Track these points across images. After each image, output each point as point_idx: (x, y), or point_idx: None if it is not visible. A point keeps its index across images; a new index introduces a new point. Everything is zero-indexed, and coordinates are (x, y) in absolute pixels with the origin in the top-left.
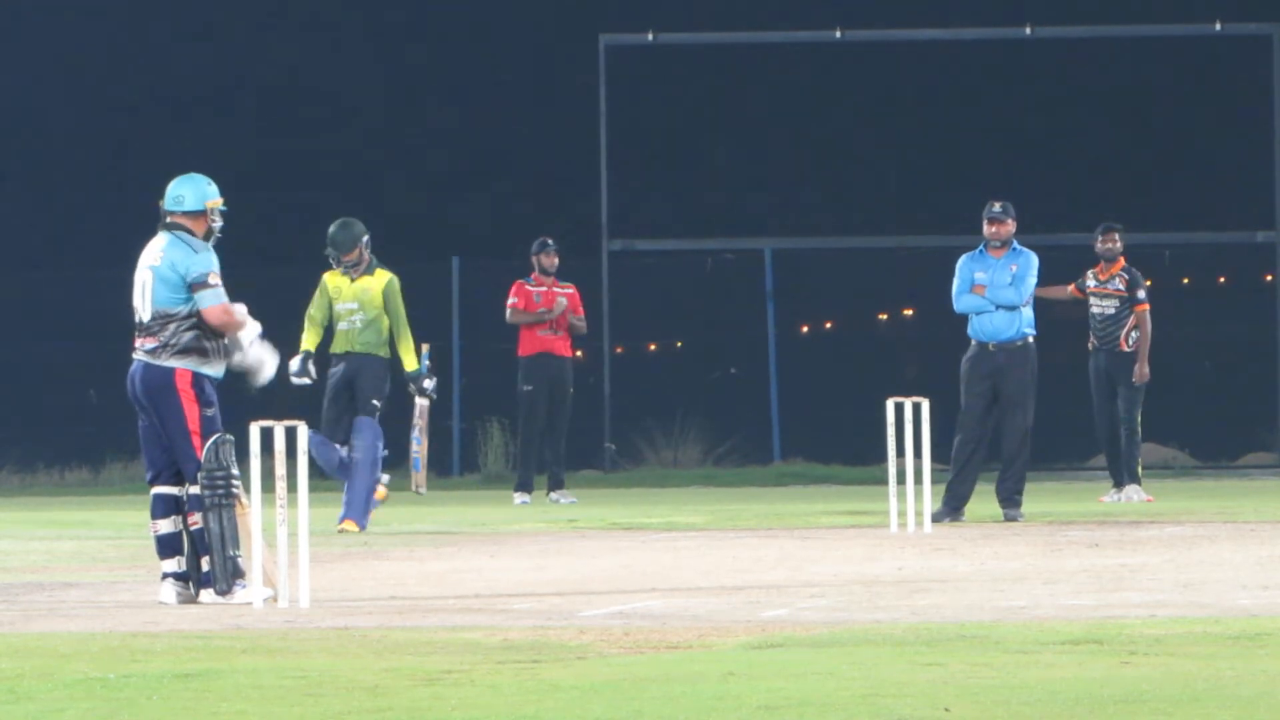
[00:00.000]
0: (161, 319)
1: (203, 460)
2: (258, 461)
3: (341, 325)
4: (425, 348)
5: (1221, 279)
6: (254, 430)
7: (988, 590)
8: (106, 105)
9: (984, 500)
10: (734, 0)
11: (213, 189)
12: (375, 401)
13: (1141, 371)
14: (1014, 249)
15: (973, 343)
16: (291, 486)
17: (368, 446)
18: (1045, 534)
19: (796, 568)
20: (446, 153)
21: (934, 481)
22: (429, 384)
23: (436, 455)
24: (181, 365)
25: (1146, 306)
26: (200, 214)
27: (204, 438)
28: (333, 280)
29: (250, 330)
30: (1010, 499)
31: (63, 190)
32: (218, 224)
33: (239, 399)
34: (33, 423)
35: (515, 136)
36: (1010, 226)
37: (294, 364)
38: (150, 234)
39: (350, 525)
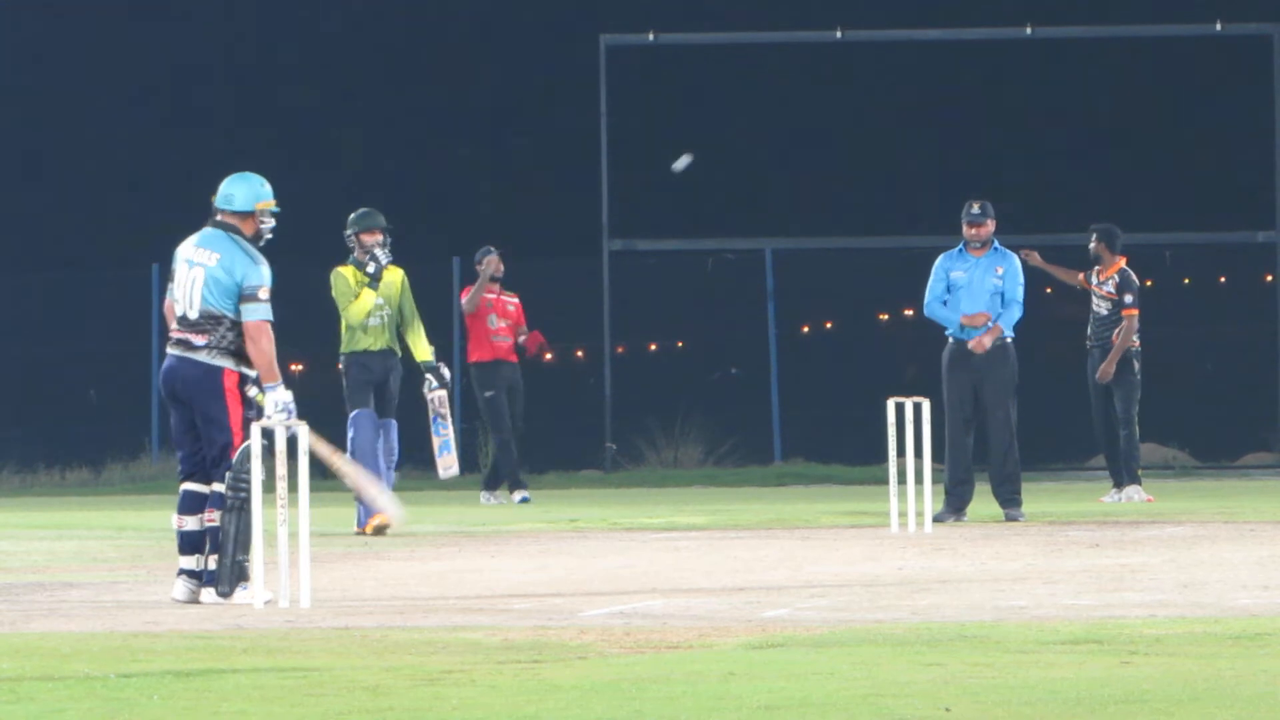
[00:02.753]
0: (211, 319)
1: (235, 461)
2: (258, 462)
3: (371, 321)
4: None
5: (1221, 279)
6: (255, 430)
7: (988, 590)
8: (110, 105)
9: (984, 500)
10: (734, 0)
11: (266, 189)
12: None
13: (1105, 370)
14: (994, 249)
15: (950, 340)
16: (292, 486)
17: (396, 448)
18: (1045, 534)
19: (797, 568)
20: (446, 153)
21: (934, 481)
22: (446, 372)
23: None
24: (230, 365)
25: (1134, 312)
26: (249, 215)
27: (243, 438)
28: (354, 276)
29: (276, 399)
30: (1010, 499)
31: (64, 192)
32: (267, 225)
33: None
34: (33, 423)
35: (515, 136)
36: (990, 227)
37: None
38: (158, 233)
39: (384, 519)
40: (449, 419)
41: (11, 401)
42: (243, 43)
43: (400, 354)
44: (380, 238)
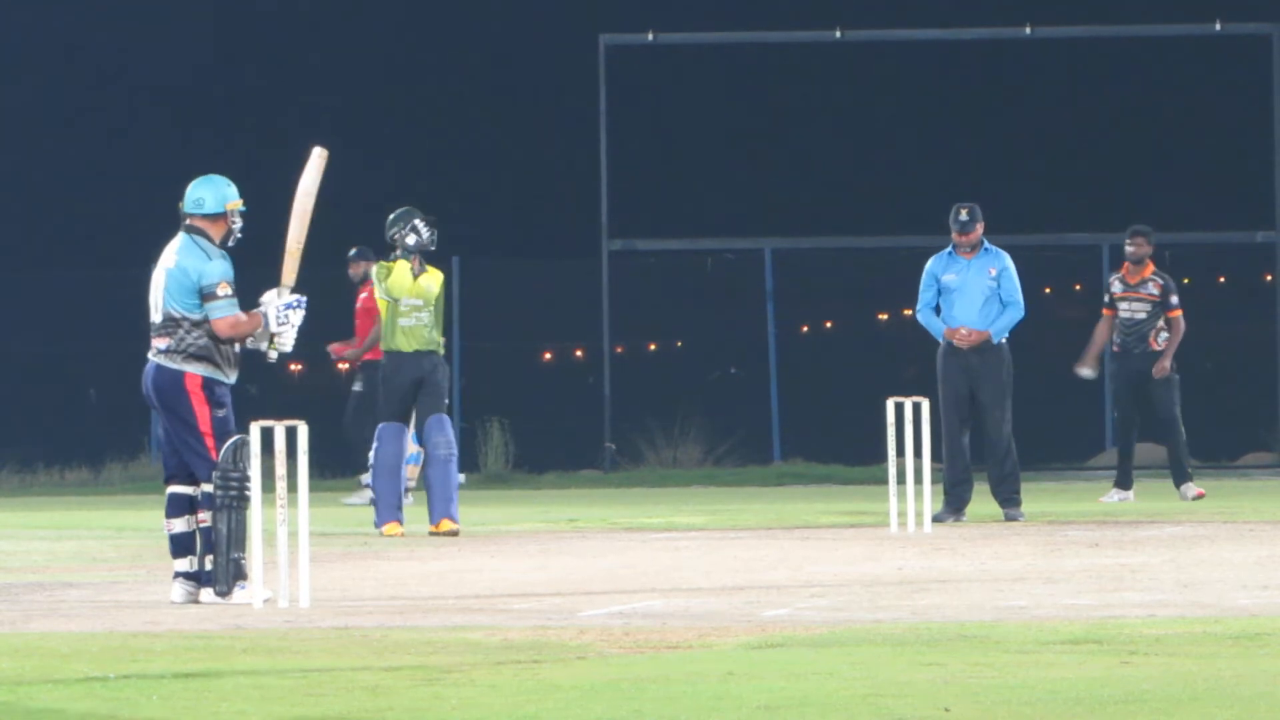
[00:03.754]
0: (171, 322)
1: (219, 460)
2: (258, 461)
3: (404, 322)
4: None
5: (1221, 279)
6: (254, 430)
7: (988, 590)
8: (113, 105)
9: (984, 500)
10: (734, 0)
11: (232, 190)
12: (447, 400)
13: (1163, 365)
14: (985, 249)
15: (943, 342)
16: (291, 486)
17: (453, 441)
18: (1045, 534)
19: (797, 568)
20: (447, 152)
21: (934, 481)
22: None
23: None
24: (192, 370)
25: (1180, 312)
26: (220, 216)
27: (216, 438)
28: (399, 269)
29: (273, 312)
30: (1010, 499)
31: (64, 190)
32: (237, 225)
33: (241, 399)
34: (33, 423)
35: (515, 136)
36: (978, 231)
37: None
38: (158, 233)
39: (450, 524)
40: None
41: (11, 401)
42: (245, 44)
43: (442, 353)
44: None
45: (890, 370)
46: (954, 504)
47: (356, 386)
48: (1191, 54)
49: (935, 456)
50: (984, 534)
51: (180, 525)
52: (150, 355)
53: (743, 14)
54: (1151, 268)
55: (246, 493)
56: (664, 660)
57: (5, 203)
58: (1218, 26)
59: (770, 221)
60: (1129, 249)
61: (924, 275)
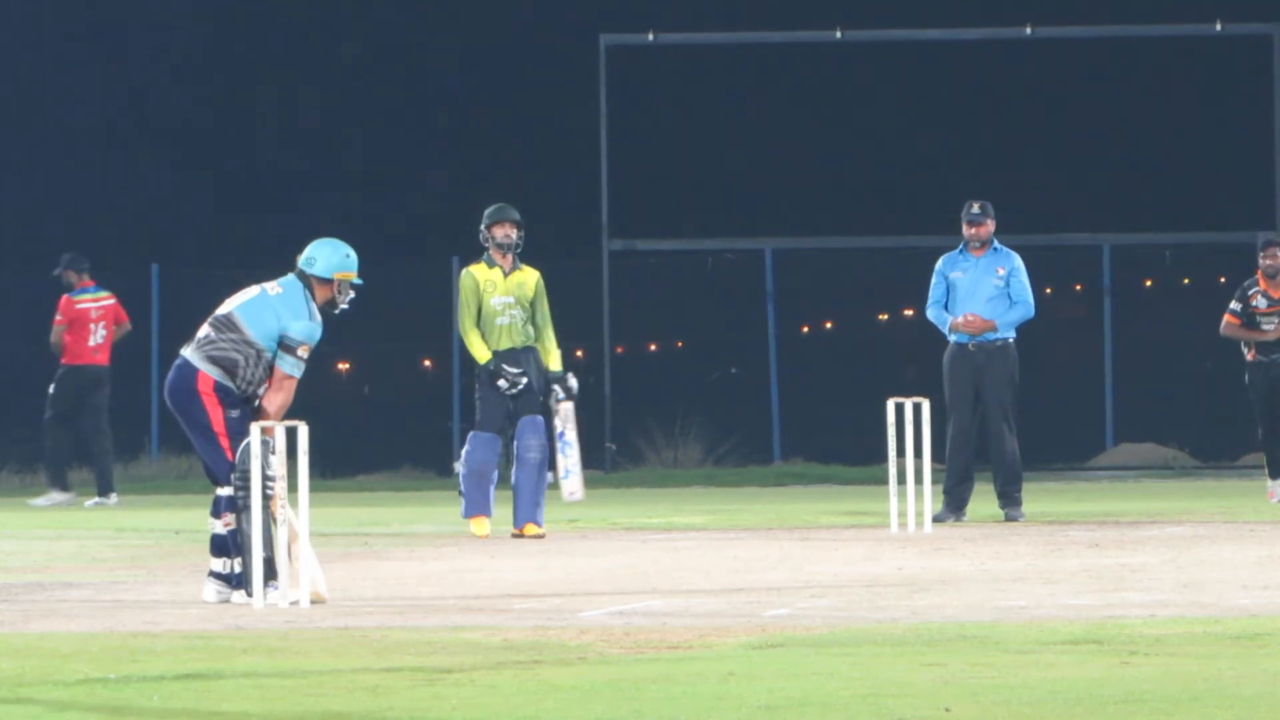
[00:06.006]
0: (225, 323)
1: (237, 461)
2: (259, 462)
3: (500, 320)
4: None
5: (1221, 279)
6: (254, 430)
7: (988, 590)
8: (109, 103)
9: (984, 500)
10: (734, 0)
11: (349, 260)
12: (542, 399)
13: None
14: (995, 249)
15: (951, 342)
16: (292, 486)
17: (545, 444)
18: (1045, 534)
19: (797, 568)
20: (446, 153)
21: (934, 481)
22: (574, 382)
23: (436, 456)
24: (207, 370)
25: None
26: (327, 282)
27: (232, 438)
28: (483, 275)
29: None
30: (1010, 499)
31: (65, 190)
32: (343, 298)
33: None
34: (33, 423)
35: (515, 136)
36: (990, 226)
37: (496, 367)
38: (158, 234)
39: (536, 528)
40: (575, 439)
41: (12, 401)
42: (246, 45)
43: (534, 349)
44: (510, 230)
45: (890, 370)
46: (955, 504)
47: (51, 389)
48: (1191, 54)
49: (935, 457)
50: (984, 534)
51: (219, 526)
52: (182, 350)
53: (743, 14)
54: None
55: (269, 491)
56: (664, 660)
57: (6, 203)
58: (1218, 27)
59: (770, 221)
60: (1265, 262)
61: (934, 274)
